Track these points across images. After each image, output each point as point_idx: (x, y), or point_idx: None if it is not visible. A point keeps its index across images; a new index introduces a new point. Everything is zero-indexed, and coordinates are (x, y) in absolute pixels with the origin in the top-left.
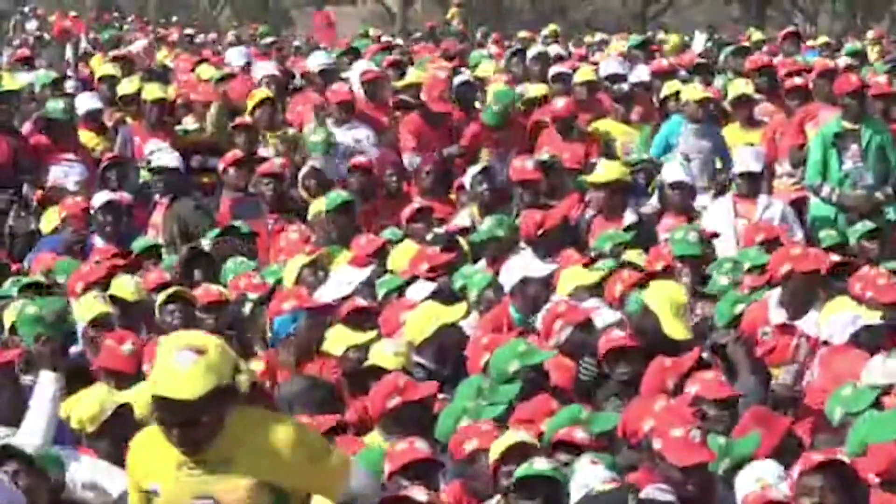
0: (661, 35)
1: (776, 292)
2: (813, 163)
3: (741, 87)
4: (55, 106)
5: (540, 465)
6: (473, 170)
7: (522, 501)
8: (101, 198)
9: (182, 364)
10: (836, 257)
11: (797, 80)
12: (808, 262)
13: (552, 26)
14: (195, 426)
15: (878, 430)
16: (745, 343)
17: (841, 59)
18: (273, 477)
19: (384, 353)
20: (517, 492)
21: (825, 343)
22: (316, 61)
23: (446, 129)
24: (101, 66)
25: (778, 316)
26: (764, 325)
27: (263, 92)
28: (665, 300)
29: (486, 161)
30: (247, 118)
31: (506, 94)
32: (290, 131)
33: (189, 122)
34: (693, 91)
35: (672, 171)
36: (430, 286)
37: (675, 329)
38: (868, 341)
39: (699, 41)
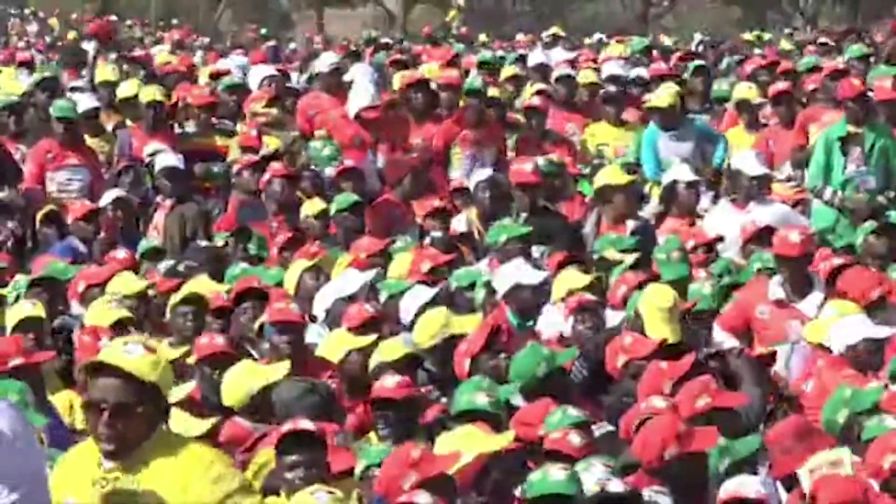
0: (662, 37)
1: (778, 277)
2: (815, 166)
3: (743, 91)
4: (63, 105)
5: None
6: (479, 175)
7: None
8: (110, 195)
9: (132, 350)
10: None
11: (780, 86)
12: (786, 247)
13: (554, 29)
14: (127, 415)
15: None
16: (748, 355)
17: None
18: None
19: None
20: None
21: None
22: (326, 61)
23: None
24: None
25: (777, 294)
26: (762, 303)
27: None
28: (650, 304)
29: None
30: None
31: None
32: (293, 134)
33: (189, 126)
34: (654, 98)
35: (683, 171)
36: (431, 291)
37: (659, 331)
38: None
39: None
